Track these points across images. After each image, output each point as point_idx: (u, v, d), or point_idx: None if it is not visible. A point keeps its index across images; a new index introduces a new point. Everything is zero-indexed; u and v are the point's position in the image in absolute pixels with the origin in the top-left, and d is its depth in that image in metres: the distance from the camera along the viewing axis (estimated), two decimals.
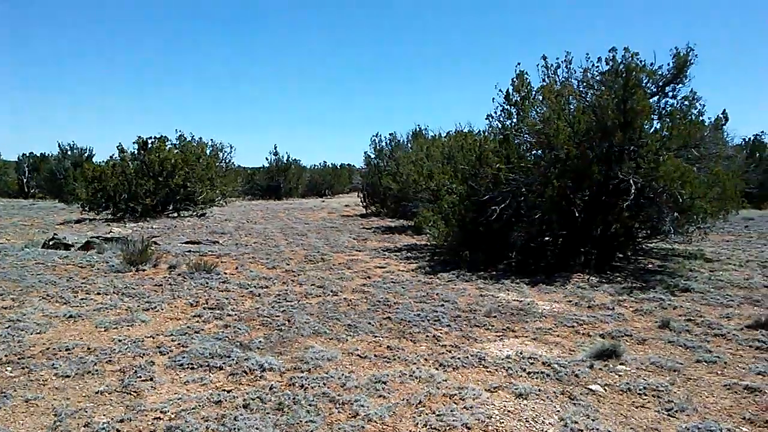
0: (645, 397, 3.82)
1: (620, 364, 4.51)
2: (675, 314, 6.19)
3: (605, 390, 3.96)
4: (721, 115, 9.42)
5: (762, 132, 27.06)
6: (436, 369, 4.43)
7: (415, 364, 4.56)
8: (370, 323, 5.84)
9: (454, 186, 10.36)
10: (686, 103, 8.97)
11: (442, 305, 6.64)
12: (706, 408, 3.63)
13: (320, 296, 7.21)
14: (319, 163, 42.11)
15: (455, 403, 3.72)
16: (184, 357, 4.63)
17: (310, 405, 3.67)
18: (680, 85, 9.11)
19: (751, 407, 3.64)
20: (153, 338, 5.23)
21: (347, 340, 5.28)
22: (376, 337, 5.38)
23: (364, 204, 21.10)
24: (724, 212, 9.26)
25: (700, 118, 9.10)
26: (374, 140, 21.09)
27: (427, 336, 5.40)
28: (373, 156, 21.08)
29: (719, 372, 4.36)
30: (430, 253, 11.03)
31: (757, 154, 25.48)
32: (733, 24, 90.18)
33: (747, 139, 26.48)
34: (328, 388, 3.99)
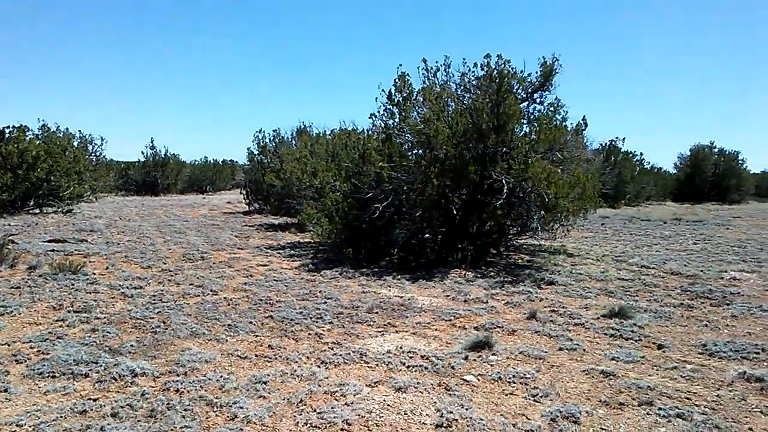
0: (514, 385, 4.07)
1: (492, 354, 4.77)
2: (541, 306, 6.65)
3: (478, 380, 4.18)
4: (582, 122, 10.20)
5: (616, 138, 29.75)
6: (318, 366, 4.43)
7: (296, 362, 4.54)
8: (251, 323, 5.73)
9: (338, 184, 10.40)
10: (552, 109, 9.63)
11: (325, 302, 6.66)
12: (567, 392, 3.94)
13: (199, 296, 6.96)
14: (200, 159, 40.41)
15: (336, 399, 3.75)
16: (44, 365, 4.28)
17: (185, 410, 3.54)
18: (547, 93, 9.78)
19: (607, 390, 4.00)
20: (8, 345, 4.79)
21: (227, 340, 5.14)
22: (257, 336, 5.29)
23: (247, 201, 20.60)
24: (584, 211, 10.05)
25: (564, 123, 9.81)
26: (258, 136, 20.61)
27: (310, 334, 5.39)
28: (256, 152, 20.59)
29: (579, 359, 4.74)
30: (313, 251, 11.00)
31: (612, 158, 27.97)
32: (591, 37, 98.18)
33: (603, 144, 28.94)
34: (206, 391, 3.86)
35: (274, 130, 20.72)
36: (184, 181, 35.43)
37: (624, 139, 29.93)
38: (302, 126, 20.83)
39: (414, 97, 9.92)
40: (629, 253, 11.12)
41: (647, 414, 3.57)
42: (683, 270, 8.98)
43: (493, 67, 9.30)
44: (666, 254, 10.95)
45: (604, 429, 3.34)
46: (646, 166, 34.19)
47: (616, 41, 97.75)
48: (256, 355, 4.71)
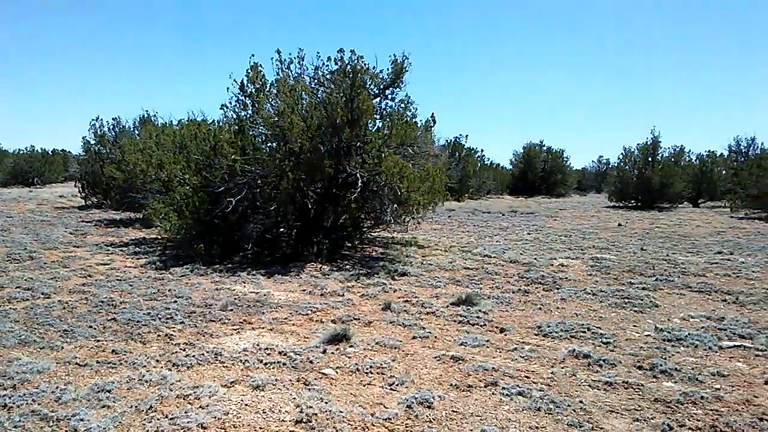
0: (371, 375, 4.17)
1: (350, 346, 4.84)
2: (395, 297, 6.87)
3: (337, 372, 4.22)
4: (431, 118, 10.68)
5: (461, 135, 31.57)
6: (169, 370, 4.20)
7: (144, 366, 4.27)
8: (91, 327, 5.29)
9: (187, 177, 9.91)
10: (402, 105, 9.97)
11: (175, 301, 6.33)
12: (422, 379, 4.12)
13: (28, 300, 6.28)
14: (26, 148, 36.20)
15: (190, 403, 3.59)
16: None
17: (15, 427, 3.18)
18: (398, 89, 10.10)
19: (457, 374, 4.24)
20: None
21: (63, 347, 4.70)
22: (98, 341, 4.90)
23: (83, 195, 18.87)
24: (434, 204, 10.54)
25: (414, 120, 10.21)
26: (95, 125, 18.93)
27: (159, 335, 5.10)
28: (93, 142, 18.90)
29: (431, 346, 4.97)
30: (161, 247, 10.40)
31: (457, 154, 29.61)
32: (441, 36, 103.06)
33: (449, 140, 30.54)
34: (39, 404, 3.50)
35: (113, 119, 19.21)
36: (5, 173, 31.63)
37: (467, 136, 31.87)
38: (146, 115, 19.55)
39: (267, 89, 9.73)
40: (473, 243, 11.86)
41: (492, 394, 3.85)
42: (520, 258, 9.76)
43: (347, 62, 9.41)
44: (505, 244, 11.83)
45: (455, 411, 3.54)
46: (486, 162, 36.67)
47: (457, 42, 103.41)
48: (97, 362, 4.35)
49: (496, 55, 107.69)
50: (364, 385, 3.97)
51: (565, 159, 39.69)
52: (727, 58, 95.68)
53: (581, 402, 3.72)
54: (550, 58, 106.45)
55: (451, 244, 11.75)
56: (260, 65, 9.65)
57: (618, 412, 3.59)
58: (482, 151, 35.83)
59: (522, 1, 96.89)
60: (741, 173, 23.67)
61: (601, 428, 3.35)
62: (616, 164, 29.46)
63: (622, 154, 27.68)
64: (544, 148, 39.39)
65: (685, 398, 3.79)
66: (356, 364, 4.37)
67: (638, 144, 26.78)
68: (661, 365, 4.41)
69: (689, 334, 5.28)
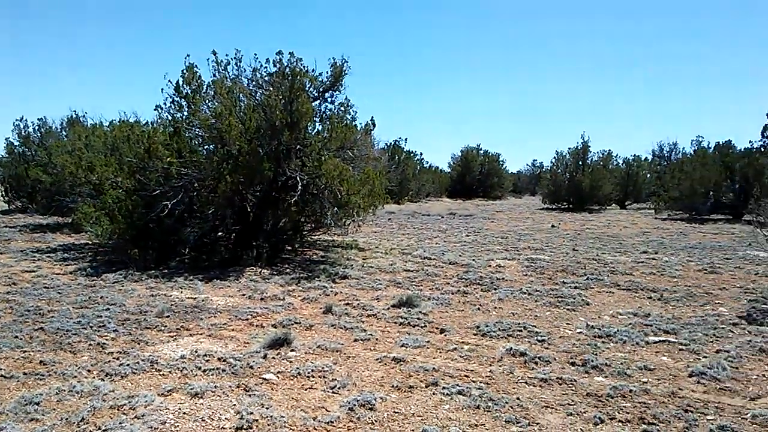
0: (313, 379, 4.15)
1: (291, 350, 4.81)
2: (336, 300, 6.87)
3: (278, 377, 4.18)
4: (370, 122, 10.73)
5: (400, 138, 31.88)
6: (102, 380, 4.05)
7: (75, 377, 4.10)
8: (17, 337, 5.03)
9: (119, 180, 9.56)
10: (342, 108, 9.97)
11: (108, 309, 6.10)
12: (363, 381, 4.14)
13: None
14: None
15: (124, 413, 3.48)
16: None
17: None
18: (337, 93, 10.10)
19: (398, 375, 4.28)
20: None
21: None
22: (25, 352, 4.66)
23: (6, 199, 17.92)
24: (374, 206, 10.58)
25: (354, 123, 10.23)
26: (18, 125, 17.99)
27: (91, 344, 4.90)
28: (17, 143, 17.97)
29: (372, 348, 5.00)
30: (92, 253, 10.00)
31: (397, 157, 29.86)
32: (380, 39, 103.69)
33: (389, 144, 30.78)
34: None
35: (39, 119, 18.34)
36: None
37: (407, 139, 32.25)
38: (74, 115, 18.75)
39: (204, 91, 9.52)
40: (413, 246, 12.00)
41: (433, 394, 3.91)
42: (459, 260, 9.95)
43: (286, 64, 9.35)
44: (444, 246, 12.02)
45: (397, 412, 3.58)
46: (426, 165, 37.13)
47: (398, 46, 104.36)
48: (24, 374, 4.15)
49: (435, 59, 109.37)
50: (306, 389, 3.96)
51: (501, 162, 40.77)
52: (651, 65, 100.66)
53: (518, 399, 3.84)
54: (486, 64, 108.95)
55: (391, 246, 11.84)
56: (196, 66, 9.45)
57: (553, 407, 3.72)
58: (421, 154, 36.35)
59: (461, 6, 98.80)
60: (664, 177, 24.96)
61: (537, 423, 3.46)
62: (549, 168, 30.48)
63: (554, 158, 28.75)
64: (481, 152, 40.28)
65: (615, 392, 3.97)
66: (298, 368, 4.34)
67: (569, 148, 27.84)
68: (592, 361, 4.61)
69: (618, 330, 5.53)
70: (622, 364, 4.59)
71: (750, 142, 19.55)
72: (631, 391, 3.99)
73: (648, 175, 30.60)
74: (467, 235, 14.33)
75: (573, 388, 4.06)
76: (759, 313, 6.32)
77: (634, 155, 31.91)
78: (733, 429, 3.36)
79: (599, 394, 3.94)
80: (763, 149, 7.39)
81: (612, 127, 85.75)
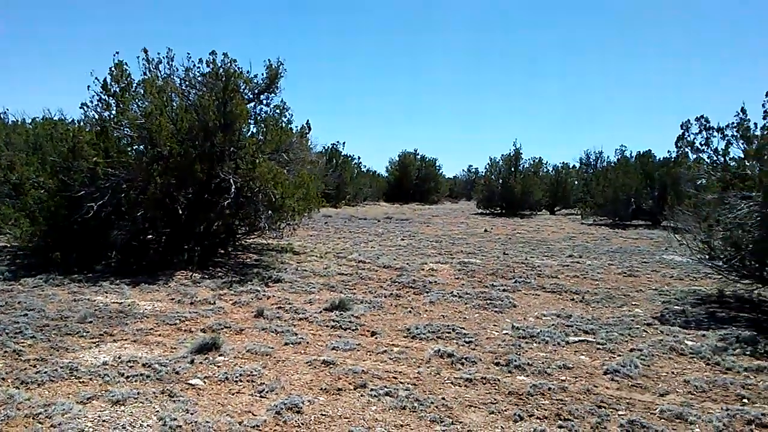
0: (241, 383, 4.13)
1: (219, 355, 4.75)
2: (269, 303, 6.83)
3: (205, 382, 4.13)
4: (306, 125, 10.72)
5: (338, 141, 31.85)
6: (17, 388, 3.89)
7: None
8: None
9: (42, 180, 9.14)
10: (278, 111, 9.92)
11: (26, 314, 5.83)
12: (292, 385, 4.15)
13: None
14: None
15: (40, 422, 3.36)
16: None
17: None
18: (273, 95, 10.04)
19: (327, 378, 4.31)
20: None
21: None
22: None
23: None
24: (309, 210, 10.59)
25: (290, 126, 10.20)
26: None
27: (6, 352, 4.68)
28: None
29: (303, 351, 5.01)
30: (10, 256, 9.51)
31: (334, 161, 29.84)
32: (313, 42, 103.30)
33: (327, 147, 30.71)
34: None
35: None
36: None
37: (344, 143, 32.22)
38: None
39: (134, 89, 9.26)
40: (349, 249, 12.04)
41: (361, 396, 3.97)
42: (393, 263, 10.07)
43: (219, 64, 9.22)
44: (379, 250, 12.13)
45: (324, 414, 3.61)
46: (363, 169, 37.27)
47: (337, 49, 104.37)
48: None
49: (375, 63, 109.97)
50: (233, 394, 3.93)
51: (438, 167, 41.38)
52: (580, 75, 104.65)
53: (443, 399, 3.95)
54: (425, 69, 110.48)
55: (326, 250, 11.84)
56: (126, 64, 9.18)
57: (476, 406, 3.85)
58: (359, 158, 36.38)
59: (397, 8, 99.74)
60: (590, 184, 26.08)
61: (460, 422, 3.58)
62: (483, 173, 31.23)
63: (488, 164, 29.45)
64: (419, 157, 40.77)
65: (534, 390, 4.14)
66: (225, 372, 4.30)
67: (503, 155, 28.64)
68: (515, 361, 4.78)
69: (541, 331, 5.76)
70: (543, 363, 4.79)
71: (668, 151, 20.80)
72: (550, 389, 4.17)
73: (576, 182, 31.85)
74: (403, 239, 14.50)
75: (496, 388, 4.21)
76: (671, 314, 6.72)
77: (563, 163, 33.19)
78: (642, 423, 3.58)
79: (520, 393, 4.10)
80: (677, 159, 7.93)
81: (543, 134, 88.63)
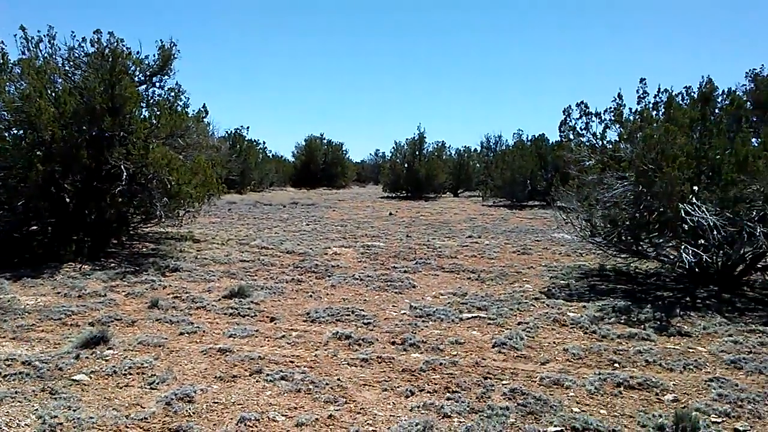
0: (130, 376, 4.00)
1: (108, 349, 4.57)
2: (164, 293, 6.62)
3: (91, 378, 3.96)
4: (203, 109, 10.38)
5: (242, 126, 31.08)
6: None
7: None
8: None
9: None
10: (172, 94, 9.54)
11: None
12: (185, 375, 4.07)
13: None
14: None
15: None
16: None
17: None
18: (166, 77, 9.64)
19: (222, 366, 4.26)
20: None
21: None
22: None
23: None
24: (208, 197, 10.29)
25: (186, 109, 9.84)
26: None
27: None
28: None
29: (198, 340, 4.92)
30: None
31: (238, 146, 29.11)
32: (206, 26, 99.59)
33: (230, 132, 29.89)
34: None
35: None
36: None
37: (248, 127, 31.46)
38: None
39: (10, 70, 8.58)
40: (252, 236, 11.85)
41: (257, 381, 3.96)
42: (296, 249, 10.03)
43: (105, 44, 8.72)
44: (283, 235, 12.03)
45: (217, 402, 3.58)
46: (269, 154, 36.65)
47: (241, 34, 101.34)
48: None
49: (278, 46, 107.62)
50: (121, 388, 3.80)
51: (345, 152, 41.39)
52: (481, 61, 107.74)
53: (339, 379, 4.02)
54: (329, 54, 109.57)
55: (228, 237, 11.59)
56: (2, 43, 8.48)
57: (370, 385, 3.96)
58: (264, 143, 35.75)
59: None
60: (490, 166, 27.10)
61: (354, 401, 3.66)
62: (389, 157, 31.60)
63: (393, 148, 29.83)
64: (325, 141, 40.57)
65: (427, 366, 4.31)
66: (114, 366, 4.14)
67: (407, 139, 29.10)
68: (410, 339, 4.94)
69: (437, 309, 5.97)
70: (437, 340, 4.98)
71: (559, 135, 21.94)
72: (441, 364, 4.36)
73: (477, 165, 32.97)
74: (308, 224, 14.45)
75: (391, 366, 4.34)
76: (557, 288, 7.16)
77: (465, 146, 34.26)
78: (523, 391, 3.82)
79: (413, 369, 4.25)
80: (561, 142, 8.47)
81: (446, 119, 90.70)
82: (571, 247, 10.41)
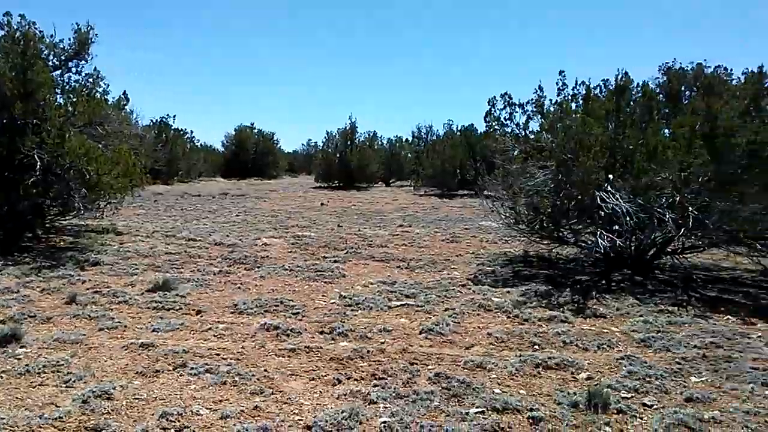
0: (44, 375, 3.82)
1: (21, 347, 4.35)
2: (83, 288, 6.35)
3: (2, 377, 3.77)
4: (123, 96, 10.00)
5: (168, 115, 30.03)
6: None
7: None
8: None
9: None
10: (90, 80, 9.12)
11: None
12: (104, 372, 3.93)
13: None
14: None
15: None
16: None
17: None
18: (84, 62, 9.20)
19: (144, 361, 4.15)
20: None
21: None
22: None
23: None
24: (131, 188, 9.91)
25: (106, 96, 9.43)
26: None
27: None
28: None
29: (119, 336, 4.76)
30: None
31: (164, 135, 28.13)
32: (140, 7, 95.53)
33: (155, 121, 28.84)
34: None
35: None
36: None
37: (175, 116, 30.42)
38: None
39: None
40: (179, 227, 11.54)
41: (180, 375, 3.89)
42: (225, 240, 9.85)
43: (16, 27, 8.22)
44: (212, 227, 11.78)
45: (138, 398, 3.49)
46: (197, 144, 35.66)
47: (167, 22, 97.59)
48: None
49: (206, 36, 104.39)
50: (35, 387, 3.63)
51: (276, 142, 40.76)
52: (413, 51, 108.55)
53: (266, 370, 4.00)
54: (260, 42, 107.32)
55: (154, 229, 11.23)
56: None
57: (298, 375, 3.96)
58: (192, 132, 34.68)
59: None
60: (421, 156, 27.43)
61: (281, 391, 3.66)
62: (321, 147, 31.40)
63: (325, 138, 29.68)
64: (256, 131, 39.80)
65: (355, 354, 4.35)
66: (27, 365, 3.95)
67: (339, 129, 29.02)
68: (339, 328, 4.97)
69: (366, 298, 6.03)
70: (365, 328, 5.03)
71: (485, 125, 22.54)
72: (369, 351, 4.41)
73: (409, 155, 33.27)
74: (237, 215, 14.20)
75: (319, 355, 4.36)
76: (483, 275, 7.37)
77: (397, 136, 34.48)
78: (447, 375, 3.92)
79: (341, 358, 4.28)
80: (487, 132, 8.72)
81: (378, 109, 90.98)
82: (498, 235, 10.72)
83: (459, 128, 27.38)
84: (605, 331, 5.09)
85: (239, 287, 6.63)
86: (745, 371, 4.04)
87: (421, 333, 4.95)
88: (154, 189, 21.28)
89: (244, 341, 4.68)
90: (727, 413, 3.37)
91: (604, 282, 6.95)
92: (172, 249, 8.92)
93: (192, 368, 3.98)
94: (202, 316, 5.40)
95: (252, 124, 39.86)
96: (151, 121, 28.75)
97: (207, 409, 3.36)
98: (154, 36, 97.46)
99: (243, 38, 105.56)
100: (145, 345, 4.47)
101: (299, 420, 3.25)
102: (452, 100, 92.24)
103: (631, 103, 7.46)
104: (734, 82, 8.20)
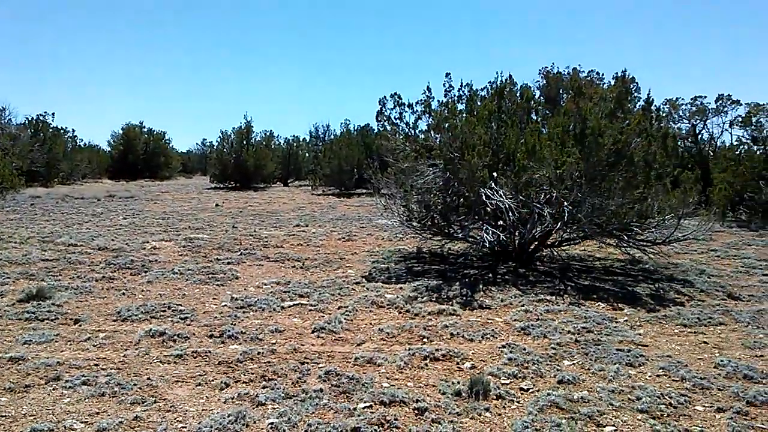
0: None
1: None
2: None
3: None
4: None
5: (45, 113, 27.91)
6: None
7: None
8: None
9: None
10: None
11: None
12: None
13: None
14: None
15: None
16: None
17: None
18: None
19: (14, 376, 3.86)
20: None
21: None
22: None
23: None
24: (3, 191, 9.17)
25: None
26: None
27: None
28: None
29: None
30: None
31: (42, 134, 26.15)
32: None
33: (31, 119, 26.73)
34: None
35: None
36: None
37: (54, 114, 28.31)
38: None
39: None
40: (58, 232, 10.79)
41: (53, 389, 3.65)
42: (110, 245, 9.34)
43: None
44: (96, 231, 11.12)
45: (5, 415, 3.24)
46: (80, 144, 33.53)
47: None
48: None
49: (91, 31, 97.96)
50: None
51: (168, 141, 39.12)
52: (307, 51, 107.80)
53: (149, 378, 3.85)
54: (148, 37, 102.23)
55: (29, 234, 10.43)
56: None
57: (184, 381, 3.85)
58: (74, 131, 32.52)
59: None
60: (319, 156, 27.39)
61: (164, 399, 3.54)
62: (216, 147, 30.50)
63: (220, 137, 28.86)
64: (145, 130, 37.97)
65: (244, 356, 4.29)
66: None
67: (233, 128, 28.33)
68: (229, 331, 4.88)
69: (259, 299, 5.95)
70: (257, 330, 4.97)
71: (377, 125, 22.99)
72: (259, 353, 4.36)
73: (307, 155, 33.11)
74: (125, 218, 13.48)
75: (207, 360, 4.26)
76: (377, 272, 7.50)
77: (294, 136, 34.25)
78: (337, 372, 3.97)
79: (230, 361, 4.21)
80: (379, 131, 8.92)
81: (274, 108, 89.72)
82: (393, 233, 10.92)
83: (356, 128, 27.64)
84: (490, 321, 5.35)
85: (124, 293, 6.31)
86: (612, 353, 4.39)
87: (313, 332, 4.97)
88: (31, 192, 19.78)
89: (126, 350, 4.48)
90: (594, 392, 3.65)
91: (490, 275, 7.28)
92: (49, 255, 8.33)
93: (67, 381, 3.76)
94: (80, 326, 5.09)
95: (141, 123, 38.02)
96: (27, 118, 26.63)
97: (82, 422, 3.19)
98: (34, 27, 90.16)
99: (131, 33, 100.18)
100: (15, 359, 4.16)
101: (183, 427, 3.16)
102: (349, 100, 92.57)
103: (511, 105, 7.87)
104: (605, 85, 8.88)
